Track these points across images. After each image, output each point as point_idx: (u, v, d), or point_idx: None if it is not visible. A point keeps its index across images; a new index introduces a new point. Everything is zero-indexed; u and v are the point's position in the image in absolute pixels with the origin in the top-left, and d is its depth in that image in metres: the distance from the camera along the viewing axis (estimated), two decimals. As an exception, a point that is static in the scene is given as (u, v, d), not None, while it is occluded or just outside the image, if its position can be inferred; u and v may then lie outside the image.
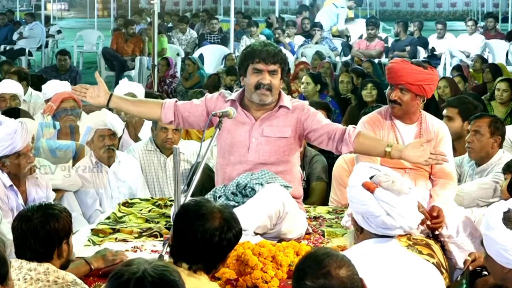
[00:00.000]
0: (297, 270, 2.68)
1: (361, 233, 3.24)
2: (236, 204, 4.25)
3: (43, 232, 3.29)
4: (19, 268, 3.25)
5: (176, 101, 4.57)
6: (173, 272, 2.46)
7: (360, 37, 14.40)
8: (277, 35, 14.54)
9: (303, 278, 2.61)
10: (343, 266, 2.61)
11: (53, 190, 5.12)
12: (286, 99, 4.47)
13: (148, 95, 7.24)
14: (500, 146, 5.30)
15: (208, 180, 4.79)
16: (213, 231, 3.00)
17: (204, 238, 2.98)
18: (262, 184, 4.25)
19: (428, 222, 4.33)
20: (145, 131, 6.45)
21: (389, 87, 4.63)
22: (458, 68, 11.14)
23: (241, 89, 4.52)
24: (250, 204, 4.18)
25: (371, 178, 3.20)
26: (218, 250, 3.02)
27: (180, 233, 3.05)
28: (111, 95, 4.47)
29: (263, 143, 4.39)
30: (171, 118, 4.52)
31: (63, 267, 3.37)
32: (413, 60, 4.76)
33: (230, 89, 10.31)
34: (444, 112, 5.80)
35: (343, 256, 2.68)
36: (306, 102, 4.58)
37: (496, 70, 9.96)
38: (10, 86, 7.22)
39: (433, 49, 13.85)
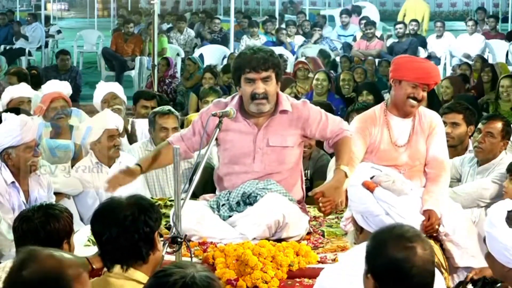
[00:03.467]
0: (376, 238, 2.70)
1: (361, 233, 3.24)
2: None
3: (43, 232, 3.30)
4: None
5: (181, 138, 4.47)
6: (218, 282, 2.46)
7: (362, 37, 14.42)
8: (280, 35, 14.55)
9: (384, 245, 2.64)
10: (428, 249, 2.66)
11: (53, 193, 5.13)
12: (285, 102, 4.39)
13: (147, 94, 7.25)
14: (505, 148, 5.31)
15: (210, 179, 4.78)
16: (126, 218, 3.01)
17: (122, 228, 3.00)
18: (266, 193, 4.25)
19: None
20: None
21: (407, 86, 4.53)
22: (467, 65, 11.14)
23: (237, 96, 4.43)
24: (249, 213, 4.18)
25: (371, 178, 3.21)
26: (140, 235, 3.01)
27: (101, 235, 3.07)
28: (139, 166, 4.38)
29: (269, 152, 4.36)
30: (192, 154, 4.56)
31: None
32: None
33: (228, 87, 10.32)
34: (448, 117, 5.68)
35: (428, 241, 2.74)
36: (306, 103, 4.51)
37: (493, 70, 9.97)
38: (26, 90, 7.15)
39: (432, 53, 13.85)
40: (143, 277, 2.97)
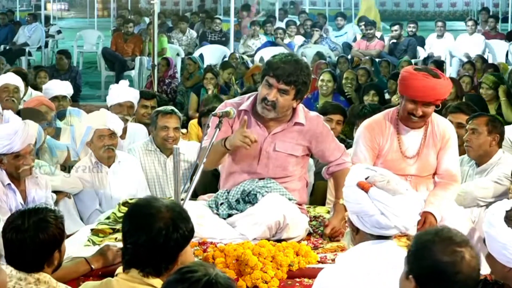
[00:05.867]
0: (422, 239, 2.66)
1: (357, 234, 3.23)
2: (238, 212, 4.26)
3: (33, 245, 3.21)
4: (9, 276, 3.18)
5: None
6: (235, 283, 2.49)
7: (362, 37, 14.42)
8: (278, 35, 14.53)
9: (430, 247, 2.60)
10: (475, 257, 2.62)
11: (54, 192, 5.12)
12: (301, 114, 4.40)
13: (147, 93, 7.25)
14: (499, 145, 5.30)
15: (211, 179, 4.78)
16: (159, 231, 2.88)
17: (150, 239, 2.89)
18: (266, 192, 4.25)
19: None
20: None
21: (406, 101, 4.45)
22: (471, 64, 11.07)
23: (253, 96, 4.45)
24: (250, 213, 4.19)
25: (366, 178, 3.21)
26: (166, 251, 2.91)
27: (128, 236, 2.96)
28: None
29: (274, 157, 4.39)
30: None
31: (55, 269, 3.33)
32: (423, 68, 4.60)
33: (227, 86, 10.30)
34: (455, 117, 5.70)
35: (475, 249, 2.69)
36: (321, 118, 4.54)
37: (496, 71, 9.95)
38: (13, 79, 7.19)
39: (431, 53, 13.84)
40: (158, 282, 2.90)
